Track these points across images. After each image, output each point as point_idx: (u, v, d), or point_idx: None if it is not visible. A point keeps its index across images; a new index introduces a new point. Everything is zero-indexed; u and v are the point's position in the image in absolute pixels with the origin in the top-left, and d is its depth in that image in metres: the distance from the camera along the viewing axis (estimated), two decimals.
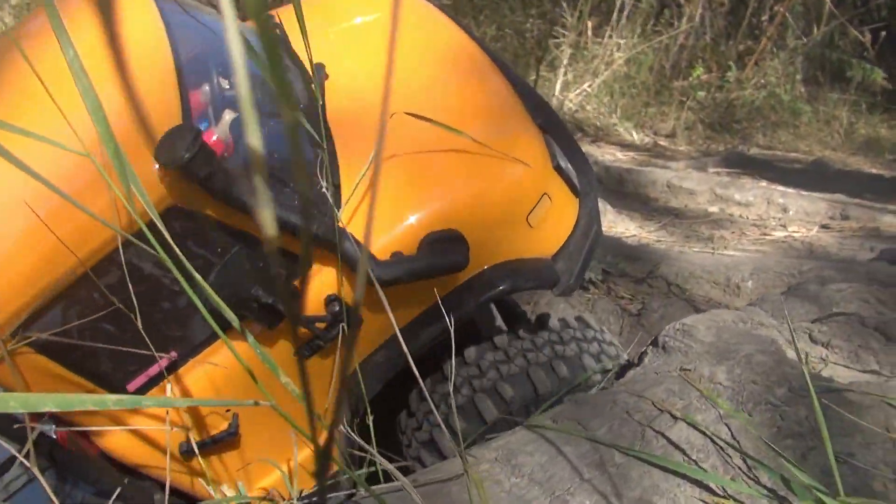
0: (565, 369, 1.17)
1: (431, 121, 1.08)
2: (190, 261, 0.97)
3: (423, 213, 1.08)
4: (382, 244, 1.07)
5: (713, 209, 2.70)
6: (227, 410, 1.07)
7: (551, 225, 1.18)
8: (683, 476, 0.75)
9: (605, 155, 3.71)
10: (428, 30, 1.40)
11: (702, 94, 5.82)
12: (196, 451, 1.03)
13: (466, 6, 6.00)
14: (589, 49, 5.17)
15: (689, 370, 0.89)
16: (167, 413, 1.01)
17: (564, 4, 5.46)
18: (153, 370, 1.03)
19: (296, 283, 1.03)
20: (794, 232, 2.49)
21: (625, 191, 2.83)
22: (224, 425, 1.07)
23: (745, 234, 2.45)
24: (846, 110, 5.96)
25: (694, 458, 0.77)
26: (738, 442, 0.78)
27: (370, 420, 0.98)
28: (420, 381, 0.72)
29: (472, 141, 1.15)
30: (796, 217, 2.64)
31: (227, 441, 1.07)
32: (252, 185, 0.95)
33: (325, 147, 1.14)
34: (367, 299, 1.07)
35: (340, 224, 1.06)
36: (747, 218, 2.64)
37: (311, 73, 1.27)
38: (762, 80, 5.93)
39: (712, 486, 0.75)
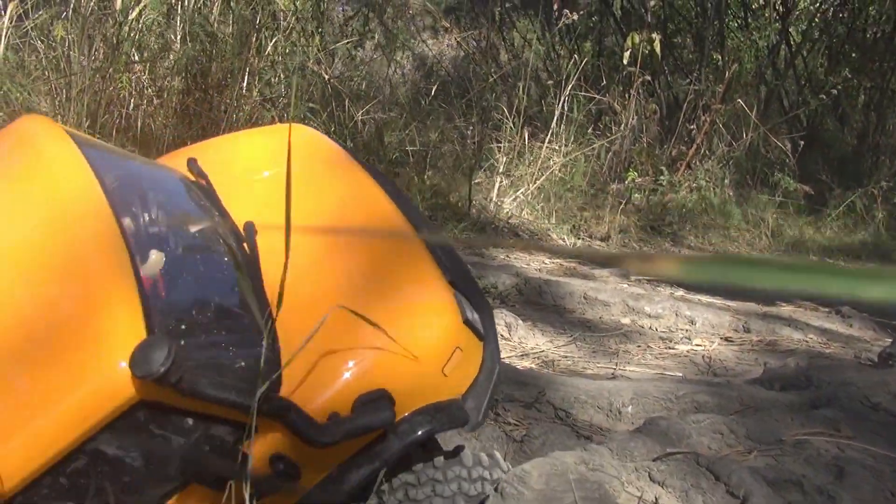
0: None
1: (350, 309, 1.18)
2: (154, 443, 1.06)
3: (355, 375, 1.20)
4: (320, 406, 1.17)
5: (625, 321, 2.82)
6: None
7: (461, 371, 1.30)
8: None
9: (533, 262, 3.85)
10: (346, 184, 1.50)
11: (637, 196, 6.09)
12: None
13: (417, 111, 6.28)
14: (525, 156, 5.42)
15: None
16: None
17: (505, 110, 5.75)
18: None
19: (243, 448, 1.12)
20: (697, 345, 2.62)
21: (543, 302, 2.95)
22: None
23: (650, 348, 2.56)
24: (773, 213, 6.28)
25: None
26: None
27: None
28: None
29: (394, 306, 1.27)
30: (702, 329, 2.77)
31: None
32: (213, 381, 1.05)
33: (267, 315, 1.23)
34: (307, 453, 1.16)
35: (281, 395, 1.16)
36: (656, 330, 2.76)
37: (241, 230, 1.36)
38: (694, 184, 6.22)
39: None
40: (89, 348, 1.03)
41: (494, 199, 5.04)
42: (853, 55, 7.65)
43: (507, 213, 4.93)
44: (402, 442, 1.19)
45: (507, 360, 2.29)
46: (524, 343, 2.46)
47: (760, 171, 6.58)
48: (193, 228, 1.37)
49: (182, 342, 1.11)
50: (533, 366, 2.26)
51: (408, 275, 1.33)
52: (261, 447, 1.11)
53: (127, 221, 1.27)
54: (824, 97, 6.68)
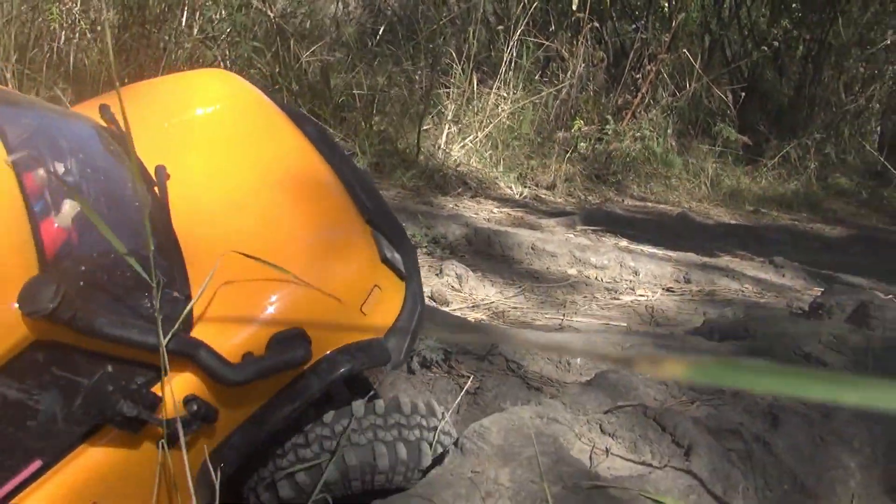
0: (405, 451, 1.28)
1: (261, 260, 1.17)
2: (57, 385, 1.04)
3: (269, 315, 1.20)
4: (234, 346, 1.17)
5: (572, 272, 2.89)
6: None
7: (381, 310, 1.32)
8: None
9: (482, 212, 3.88)
10: (261, 127, 1.49)
11: (583, 145, 6.15)
12: None
13: (364, 52, 6.14)
14: (474, 103, 5.39)
15: (479, 472, 1.00)
16: None
17: (454, 55, 5.67)
18: (18, 479, 1.07)
19: (154, 390, 1.11)
20: (640, 296, 2.71)
21: (492, 252, 2.99)
22: None
23: (596, 299, 2.64)
24: (713, 162, 6.44)
25: None
26: None
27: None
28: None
29: (308, 245, 1.27)
30: (645, 280, 2.86)
31: None
32: (113, 320, 1.04)
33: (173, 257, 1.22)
34: (223, 393, 1.16)
35: (192, 334, 1.15)
36: (602, 281, 2.84)
37: (152, 173, 1.34)
38: (638, 133, 6.31)
39: None
40: None
41: (443, 146, 5.02)
42: (794, 6, 7.77)
43: (455, 160, 4.92)
44: (322, 381, 1.20)
45: (458, 312, 2.33)
46: (474, 294, 2.50)
47: (703, 122, 6.71)
48: (104, 174, 1.35)
49: (81, 283, 1.10)
50: (484, 317, 2.31)
51: (323, 215, 1.33)
52: (174, 388, 1.11)
53: (36, 172, 1.23)
54: (765, 49, 6.80)
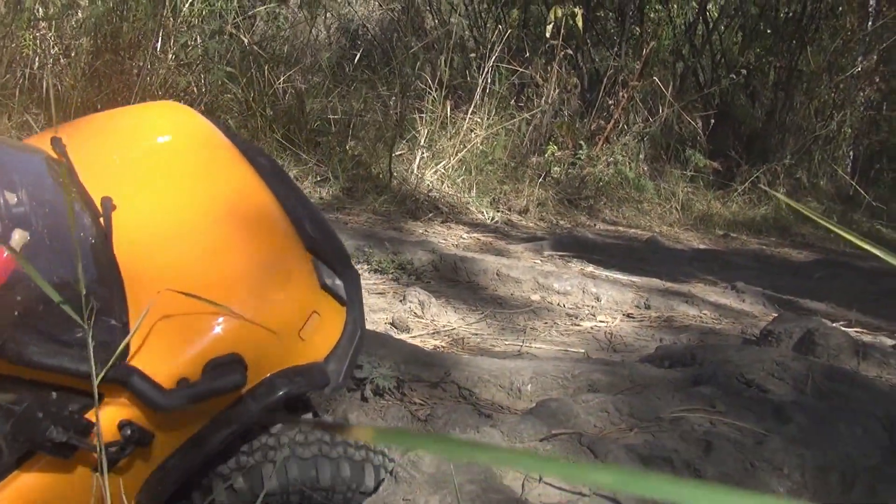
0: (348, 470, 1.31)
1: (199, 297, 1.20)
2: None
3: (204, 341, 1.23)
4: (169, 372, 1.19)
5: (535, 297, 2.93)
6: None
7: (321, 335, 1.35)
8: None
9: (451, 237, 3.93)
10: (209, 159, 1.53)
11: (556, 169, 6.23)
12: None
13: (340, 77, 6.20)
14: (448, 128, 5.46)
15: (409, 500, 1.03)
16: None
17: (429, 81, 5.74)
18: None
19: (88, 416, 1.13)
20: (601, 322, 2.76)
21: (457, 279, 3.03)
22: None
23: (556, 325, 2.68)
24: (684, 187, 6.54)
25: None
26: None
27: None
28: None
29: (247, 274, 1.31)
30: (606, 306, 2.91)
31: None
32: (45, 349, 1.08)
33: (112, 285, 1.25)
34: (158, 418, 1.19)
35: (128, 361, 1.18)
36: (564, 307, 2.89)
37: (97, 205, 1.37)
38: (611, 158, 6.40)
39: None
40: None
41: (415, 171, 5.07)
42: (767, 31, 7.92)
43: (428, 185, 4.98)
44: (259, 404, 1.22)
45: (419, 338, 2.36)
46: (436, 321, 2.53)
47: (674, 148, 6.83)
48: (51, 206, 1.39)
49: (16, 312, 1.13)
50: (443, 344, 2.34)
51: (264, 246, 1.37)
52: (108, 414, 1.14)
53: None
54: (734, 77, 6.95)
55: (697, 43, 7.80)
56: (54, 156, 1.47)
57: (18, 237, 1.25)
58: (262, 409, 1.22)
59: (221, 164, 1.50)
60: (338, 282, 1.37)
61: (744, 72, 7.14)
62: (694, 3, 7.78)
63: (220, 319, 1.22)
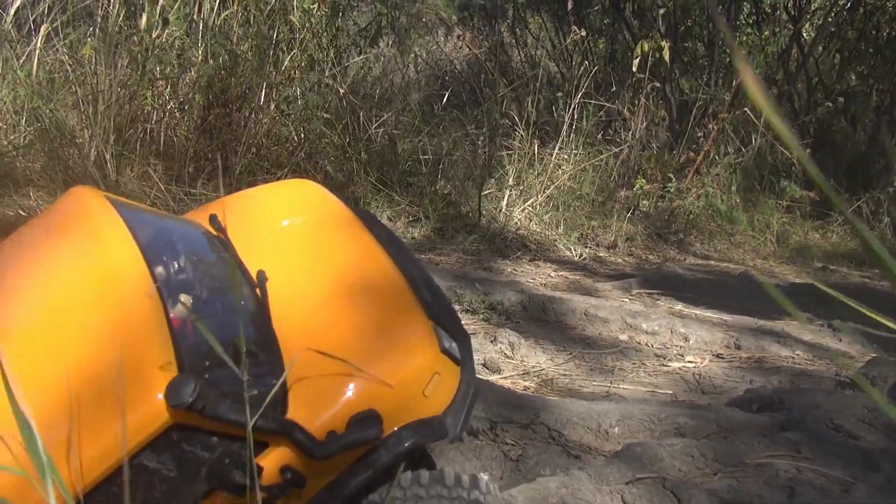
0: None
1: (344, 360, 1.40)
2: (185, 457, 1.32)
3: (348, 400, 1.43)
4: (319, 426, 1.40)
5: (623, 337, 2.99)
6: None
7: (440, 392, 1.54)
8: None
9: (539, 276, 4.02)
10: (339, 234, 1.73)
11: (645, 203, 6.21)
12: None
13: (429, 117, 6.44)
14: (535, 165, 5.57)
15: None
16: None
17: (516, 119, 5.89)
18: None
19: (258, 461, 1.35)
20: (689, 362, 2.78)
21: (546, 319, 3.12)
22: None
23: (644, 366, 2.73)
24: (779, 218, 6.38)
25: None
26: None
27: None
28: None
29: (379, 340, 1.50)
30: (695, 346, 2.93)
31: None
32: (231, 406, 1.35)
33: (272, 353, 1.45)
34: (311, 464, 1.39)
35: (288, 417, 1.38)
36: (652, 347, 2.93)
37: (254, 277, 1.59)
38: (701, 191, 6.33)
39: None
40: (136, 385, 1.29)
41: (504, 209, 5.20)
42: (869, 51, 7.62)
43: (516, 223, 5.09)
44: (390, 453, 1.41)
45: (509, 379, 2.47)
46: (526, 362, 2.63)
47: (767, 179, 6.67)
48: (214, 276, 1.61)
49: (206, 376, 1.35)
50: (533, 385, 2.43)
51: (393, 315, 1.57)
52: (272, 460, 1.36)
53: (159, 270, 1.51)
54: (830, 104, 6.76)
55: (791, 68, 7.60)
56: (212, 231, 1.71)
57: (184, 300, 1.48)
58: (392, 457, 1.41)
59: (350, 239, 1.71)
60: (454, 344, 1.54)
61: (840, 99, 6.92)
62: (789, 27, 7.59)
63: (359, 381, 1.42)
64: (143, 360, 1.32)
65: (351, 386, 1.43)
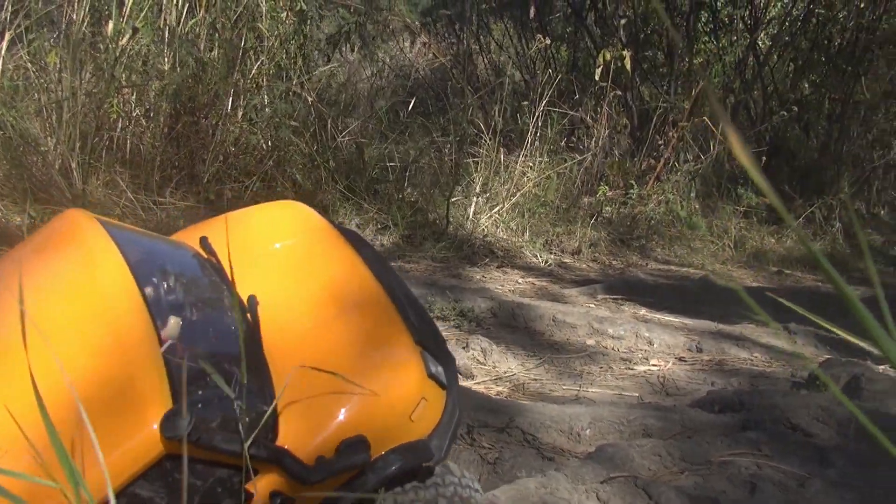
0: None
1: (338, 378, 1.44)
2: (178, 486, 1.33)
3: (337, 425, 1.47)
4: (308, 451, 1.44)
5: (590, 342, 3.08)
6: None
7: (426, 416, 1.59)
8: None
9: (507, 282, 4.11)
10: (328, 256, 1.77)
11: (608, 209, 6.36)
12: None
13: (395, 123, 6.49)
14: (501, 173, 5.66)
15: None
16: None
17: (482, 126, 5.98)
18: None
19: (248, 486, 1.38)
20: (653, 365, 2.89)
21: (516, 325, 3.20)
22: None
23: (611, 369, 2.83)
24: (737, 224, 6.59)
25: None
26: None
27: None
28: None
29: (368, 363, 1.54)
30: (659, 350, 3.04)
31: None
32: (224, 436, 1.41)
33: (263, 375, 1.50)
34: (301, 489, 1.43)
35: (277, 443, 1.43)
36: (618, 350, 3.03)
37: (244, 301, 1.62)
38: (662, 197, 6.51)
39: None
40: (129, 414, 1.32)
41: (471, 216, 5.29)
42: (821, 60, 7.86)
43: (483, 230, 5.18)
44: (377, 476, 1.46)
45: (482, 384, 2.54)
46: (498, 367, 2.71)
47: (724, 186, 6.88)
48: (204, 299, 1.64)
49: (199, 405, 1.38)
50: (506, 390, 2.51)
51: (382, 339, 1.61)
52: (262, 486, 1.39)
53: (149, 291, 1.53)
54: (784, 113, 6.99)
55: (748, 77, 7.83)
56: (202, 253, 1.74)
57: (173, 323, 1.50)
58: (379, 480, 1.46)
59: (339, 262, 1.75)
60: (440, 369, 1.60)
61: (795, 108, 7.17)
62: (746, 36, 7.78)
63: (348, 405, 1.46)
64: (133, 383, 1.34)
65: (341, 411, 1.46)
